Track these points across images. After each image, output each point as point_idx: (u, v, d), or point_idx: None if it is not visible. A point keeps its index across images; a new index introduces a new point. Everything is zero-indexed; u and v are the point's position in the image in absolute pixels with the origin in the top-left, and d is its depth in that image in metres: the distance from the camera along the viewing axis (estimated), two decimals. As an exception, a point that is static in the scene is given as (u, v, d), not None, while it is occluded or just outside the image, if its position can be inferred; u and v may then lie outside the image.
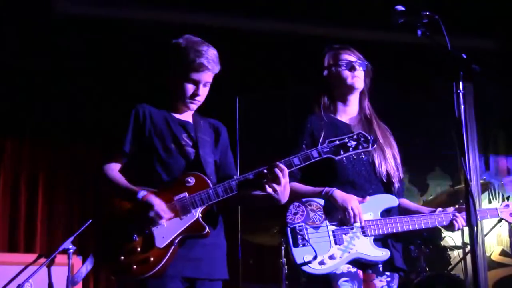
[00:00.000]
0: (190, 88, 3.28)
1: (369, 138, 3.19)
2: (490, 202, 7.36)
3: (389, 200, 3.49)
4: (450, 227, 3.49)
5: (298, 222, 3.37)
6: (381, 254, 3.38)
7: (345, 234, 3.37)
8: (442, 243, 5.96)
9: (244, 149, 6.39)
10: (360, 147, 3.18)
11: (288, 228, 3.36)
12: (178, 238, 3.07)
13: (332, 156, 3.15)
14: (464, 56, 2.86)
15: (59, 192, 6.77)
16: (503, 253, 7.28)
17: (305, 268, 3.31)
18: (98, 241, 3.24)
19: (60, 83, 6.60)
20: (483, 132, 7.19)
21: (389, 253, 3.39)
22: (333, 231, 3.38)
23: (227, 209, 3.35)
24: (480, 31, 6.80)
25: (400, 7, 3.05)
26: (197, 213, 3.11)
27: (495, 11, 6.70)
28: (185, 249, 3.11)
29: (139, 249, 3.05)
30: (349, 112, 3.68)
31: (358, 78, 3.62)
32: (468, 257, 5.77)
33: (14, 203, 6.63)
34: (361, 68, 3.63)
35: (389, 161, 3.57)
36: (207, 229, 3.10)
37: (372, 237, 3.39)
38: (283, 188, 3.08)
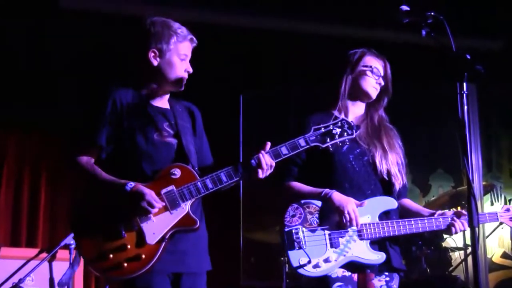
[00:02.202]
0: (183, 64, 3.20)
1: (352, 124, 3.21)
2: (492, 203, 7.34)
3: (388, 203, 3.48)
4: (448, 231, 3.50)
5: (296, 225, 3.36)
6: (376, 257, 3.38)
7: (341, 237, 3.37)
8: (444, 244, 5.95)
9: (247, 146, 6.40)
10: (345, 134, 3.19)
11: (285, 231, 3.36)
12: (169, 233, 2.99)
13: (319, 144, 3.16)
14: (468, 57, 2.86)
15: (61, 187, 6.77)
16: (504, 255, 7.27)
17: (300, 271, 3.31)
18: (81, 239, 3.05)
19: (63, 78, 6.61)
20: (486, 133, 7.18)
21: (384, 256, 3.39)
22: (329, 234, 3.37)
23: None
24: (484, 31, 6.80)
25: (405, 7, 3.05)
26: (187, 206, 3.03)
27: (499, 11, 6.69)
28: (171, 243, 3.02)
29: (129, 246, 2.95)
30: (355, 112, 3.67)
31: (375, 90, 3.63)
32: (470, 258, 5.76)
33: (17, 197, 6.65)
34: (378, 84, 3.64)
35: (390, 162, 3.56)
36: (198, 223, 3.03)
37: (369, 240, 3.39)
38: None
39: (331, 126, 3.18)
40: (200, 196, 3.06)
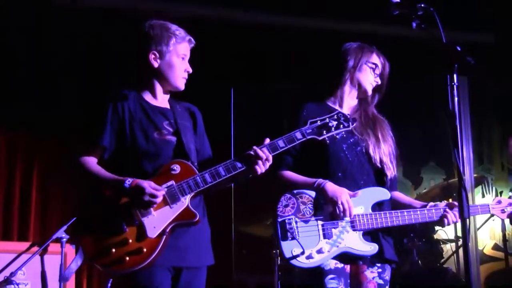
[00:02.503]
0: (183, 64, 3.28)
1: (349, 117, 3.26)
2: (483, 196, 7.37)
3: (381, 194, 3.49)
4: (440, 222, 3.51)
5: (289, 215, 3.36)
6: (369, 248, 3.38)
7: (334, 228, 3.37)
8: (435, 236, 5.97)
9: (238, 139, 6.40)
10: (341, 126, 3.24)
11: (278, 221, 3.36)
12: (170, 227, 3.05)
13: (315, 136, 3.20)
14: (459, 49, 2.86)
15: (53, 181, 6.75)
16: (495, 247, 7.30)
17: (293, 261, 3.32)
18: (83, 235, 3.10)
19: (56, 76, 6.59)
20: (477, 125, 7.20)
21: (377, 247, 3.39)
22: (322, 225, 3.37)
23: (208, 193, 3.30)
24: (475, 24, 6.80)
25: (395, -1, 3.05)
26: (187, 200, 3.09)
27: (490, 4, 6.69)
28: (172, 238, 3.07)
29: (130, 240, 3.01)
30: (349, 102, 3.69)
31: (371, 87, 3.66)
32: (461, 250, 5.78)
33: (8, 191, 6.62)
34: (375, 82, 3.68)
35: (383, 151, 3.57)
36: (198, 216, 3.09)
37: (361, 231, 3.39)
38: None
39: (327, 119, 3.23)
40: (199, 190, 3.11)
